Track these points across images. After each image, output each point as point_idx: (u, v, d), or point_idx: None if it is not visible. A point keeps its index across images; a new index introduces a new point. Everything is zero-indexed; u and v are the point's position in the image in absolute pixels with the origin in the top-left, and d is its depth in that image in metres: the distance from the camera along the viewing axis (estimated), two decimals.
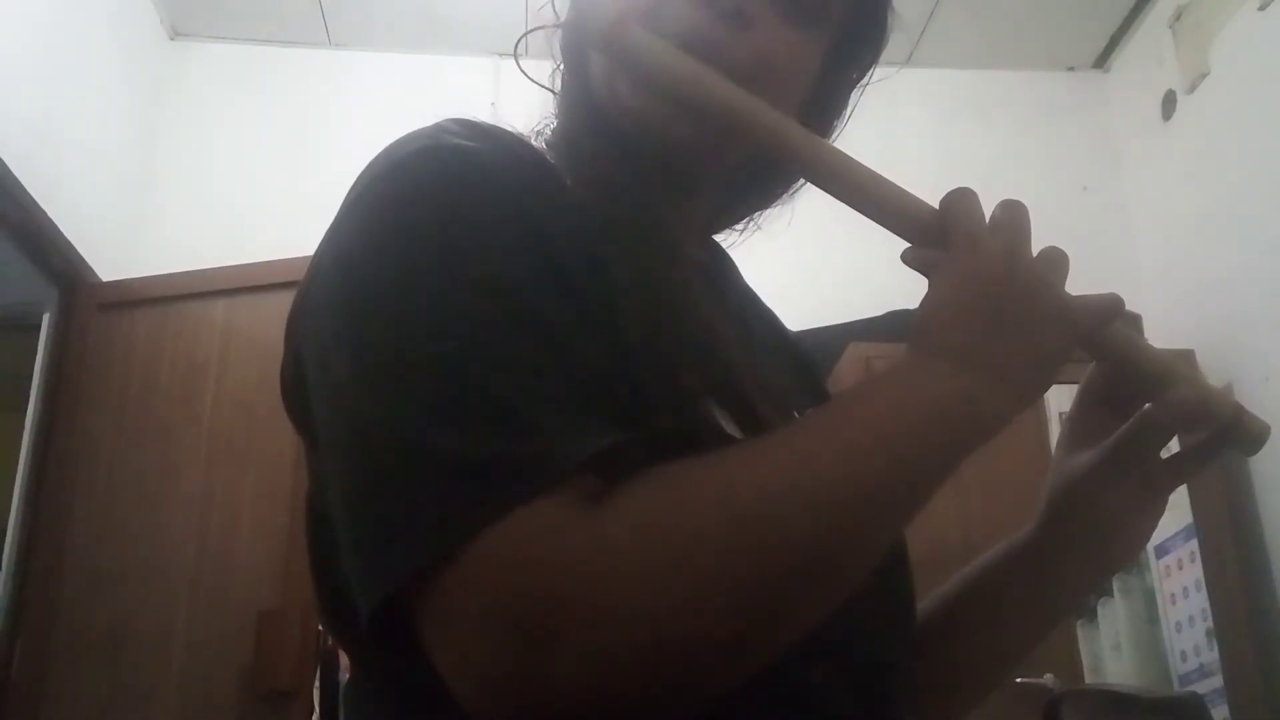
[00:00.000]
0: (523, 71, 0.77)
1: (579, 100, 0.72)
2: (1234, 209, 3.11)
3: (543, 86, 0.77)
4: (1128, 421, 0.73)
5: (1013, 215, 0.63)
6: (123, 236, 3.32)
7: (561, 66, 0.76)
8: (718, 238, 0.84)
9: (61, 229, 2.96)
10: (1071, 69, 3.90)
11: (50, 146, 2.94)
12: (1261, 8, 2.98)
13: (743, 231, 0.84)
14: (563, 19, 0.75)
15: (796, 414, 0.71)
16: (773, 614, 0.50)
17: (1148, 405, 0.71)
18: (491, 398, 0.51)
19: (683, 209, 0.74)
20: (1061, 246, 0.64)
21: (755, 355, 0.74)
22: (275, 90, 3.66)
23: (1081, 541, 0.75)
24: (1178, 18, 3.40)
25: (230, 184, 3.46)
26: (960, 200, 0.63)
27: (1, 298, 3.35)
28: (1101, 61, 3.87)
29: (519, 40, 0.75)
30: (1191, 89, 3.32)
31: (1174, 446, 0.75)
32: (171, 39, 3.67)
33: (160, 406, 2.96)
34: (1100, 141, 3.79)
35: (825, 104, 0.76)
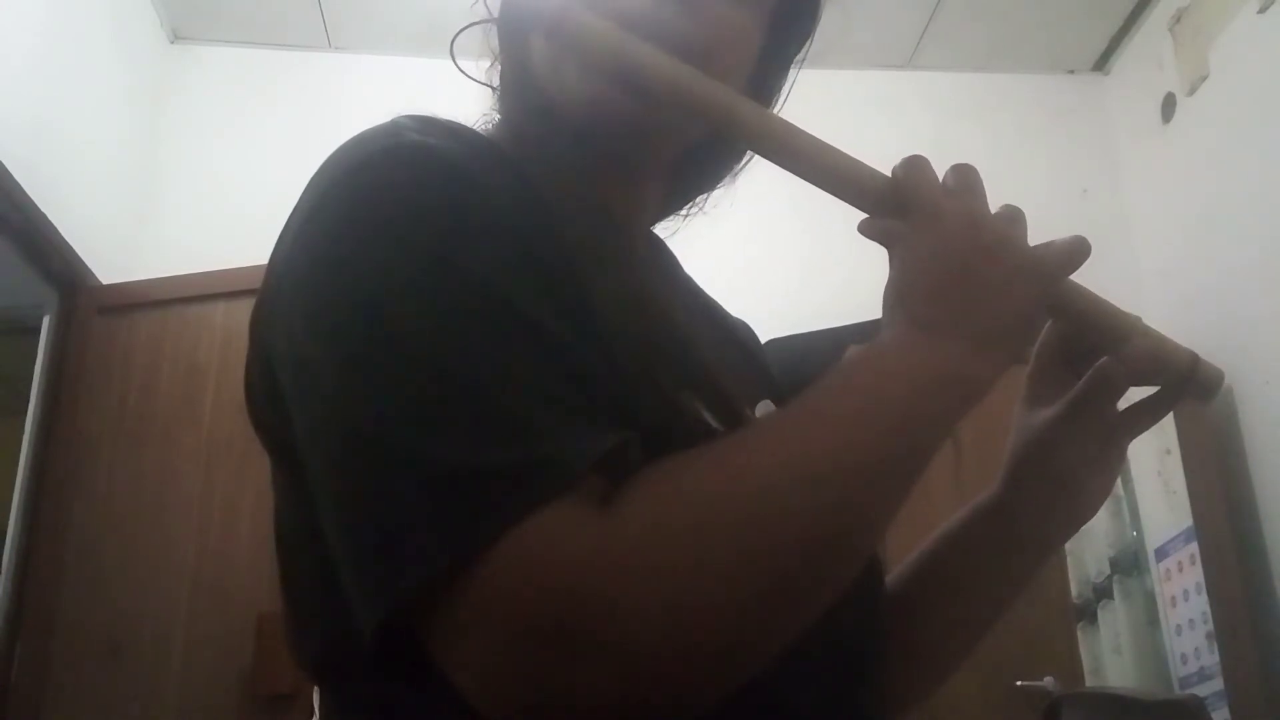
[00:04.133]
0: (460, 69, 0.75)
1: (523, 91, 0.71)
2: (1234, 211, 3.11)
3: (481, 83, 0.76)
4: (1084, 376, 0.73)
5: (966, 177, 0.63)
6: (123, 239, 3.32)
7: (500, 60, 0.75)
8: (660, 225, 0.83)
9: (61, 232, 2.97)
10: (1071, 72, 3.91)
11: (50, 150, 2.94)
12: (1261, 10, 2.99)
13: (686, 216, 0.83)
14: (499, 12, 0.74)
15: (766, 401, 0.71)
16: (792, 596, 0.51)
17: (1104, 359, 0.71)
18: (494, 402, 0.50)
19: (633, 198, 0.74)
20: None
21: (716, 347, 0.73)
22: (275, 93, 3.66)
23: (1044, 499, 0.75)
24: (1177, 20, 3.40)
25: (230, 187, 3.46)
26: (914, 168, 0.63)
27: (1, 301, 3.35)
28: (1101, 64, 3.87)
29: (455, 36, 0.74)
30: (1191, 91, 3.32)
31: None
32: (172, 42, 3.68)
33: (160, 409, 2.97)
34: (1100, 144, 3.79)
35: (767, 81, 0.77)
